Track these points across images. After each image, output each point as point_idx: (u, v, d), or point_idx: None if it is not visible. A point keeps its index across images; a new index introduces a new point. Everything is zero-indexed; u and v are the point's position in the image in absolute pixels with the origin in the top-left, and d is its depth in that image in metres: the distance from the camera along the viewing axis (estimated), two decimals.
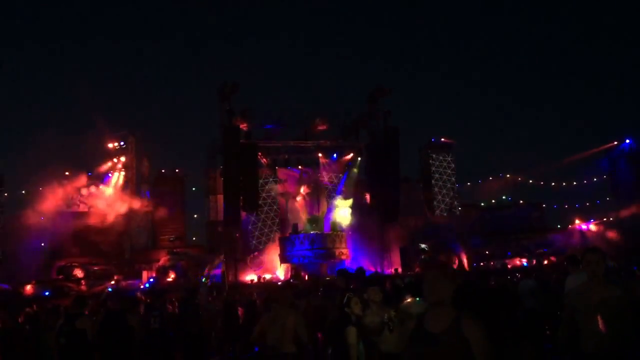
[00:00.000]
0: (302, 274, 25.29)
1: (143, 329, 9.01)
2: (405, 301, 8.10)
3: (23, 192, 28.64)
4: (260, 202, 28.84)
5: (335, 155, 29.99)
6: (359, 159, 29.75)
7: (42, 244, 28.62)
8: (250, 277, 25.86)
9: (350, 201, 29.10)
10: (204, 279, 23.21)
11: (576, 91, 75.21)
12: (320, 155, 29.61)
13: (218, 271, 24.92)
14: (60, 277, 25.80)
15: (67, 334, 6.67)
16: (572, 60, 75.99)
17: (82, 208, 29.71)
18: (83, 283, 24.32)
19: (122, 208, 29.41)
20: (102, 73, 66.88)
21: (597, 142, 37.10)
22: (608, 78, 72.65)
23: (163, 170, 32.67)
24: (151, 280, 24.88)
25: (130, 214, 29.55)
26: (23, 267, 25.18)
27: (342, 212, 28.82)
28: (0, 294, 20.92)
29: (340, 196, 29.56)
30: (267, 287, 18.06)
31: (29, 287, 22.71)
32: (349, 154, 30.01)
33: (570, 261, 8.06)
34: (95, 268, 26.81)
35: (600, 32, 73.23)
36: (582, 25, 72.41)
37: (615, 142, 34.43)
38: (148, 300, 12.72)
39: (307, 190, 30.07)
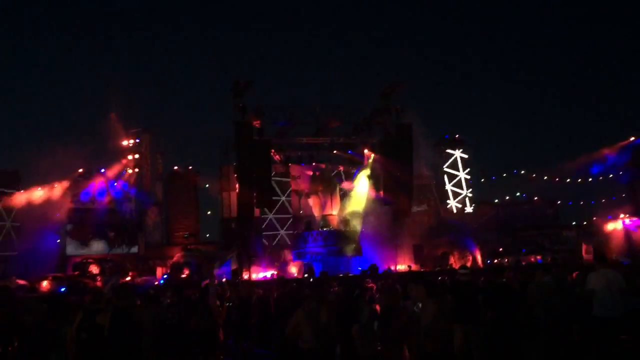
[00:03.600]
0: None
1: (158, 324, 9.08)
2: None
3: (39, 188, 28.88)
4: (273, 198, 28.84)
5: (349, 151, 29.94)
6: (372, 155, 29.69)
7: (58, 241, 28.94)
8: (263, 274, 25.93)
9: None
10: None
11: (594, 88, 74.43)
12: (335, 152, 29.54)
13: (228, 268, 24.91)
14: (76, 273, 26.02)
15: (88, 329, 6.72)
16: (589, 57, 75.19)
17: (97, 205, 29.93)
18: (99, 279, 24.48)
19: (135, 205, 29.63)
20: (116, 70, 67.30)
21: (614, 138, 36.64)
22: (626, 73, 71.72)
23: (176, 167, 32.80)
24: (165, 276, 24.99)
25: (144, 211, 29.74)
26: (39, 264, 25.44)
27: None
28: (17, 290, 21.14)
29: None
30: (282, 284, 18.01)
31: (45, 283, 22.86)
32: (362, 151, 29.93)
33: (597, 258, 7.89)
34: (110, 264, 27.07)
35: (621, 29, 72.35)
36: (604, 19, 71.62)
37: (633, 138, 33.92)
38: (161, 296, 12.76)
39: (320, 187, 30.04)
